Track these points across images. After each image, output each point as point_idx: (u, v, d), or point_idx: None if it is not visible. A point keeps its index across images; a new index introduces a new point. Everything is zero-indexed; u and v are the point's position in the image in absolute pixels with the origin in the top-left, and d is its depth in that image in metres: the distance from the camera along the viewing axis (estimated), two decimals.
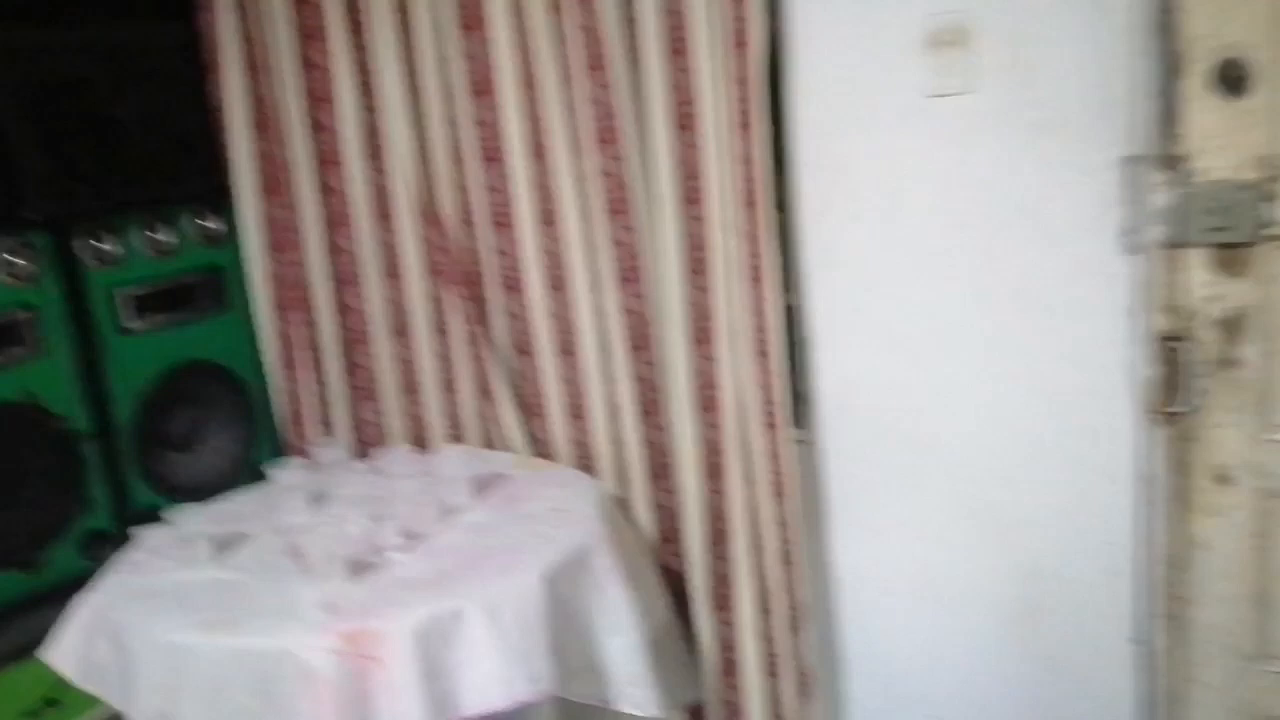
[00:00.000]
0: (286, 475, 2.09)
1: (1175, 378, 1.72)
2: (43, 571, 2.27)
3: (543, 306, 2.18)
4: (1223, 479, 1.73)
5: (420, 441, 2.44)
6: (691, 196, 2.00)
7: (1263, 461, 1.69)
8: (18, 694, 2.14)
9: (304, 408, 2.52)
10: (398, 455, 2.13)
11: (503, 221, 2.21)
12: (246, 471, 2.60)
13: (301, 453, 2.55)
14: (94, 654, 1.78)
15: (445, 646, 1.63)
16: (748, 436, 2.03)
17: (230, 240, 2.55)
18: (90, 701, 2.24)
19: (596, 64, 1.99)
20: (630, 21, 1.96)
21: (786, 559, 2.04)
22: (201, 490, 2.52)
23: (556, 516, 1.92)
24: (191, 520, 1.98)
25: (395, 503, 1.95)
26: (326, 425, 2.51)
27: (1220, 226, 1.64)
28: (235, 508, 2.09)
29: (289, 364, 2.53)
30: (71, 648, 1.83)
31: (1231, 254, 1.66)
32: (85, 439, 2.31)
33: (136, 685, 1.68)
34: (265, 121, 2.40)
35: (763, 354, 1.99)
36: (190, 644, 1.64)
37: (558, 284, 2.16)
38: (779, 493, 2.03)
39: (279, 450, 2.67)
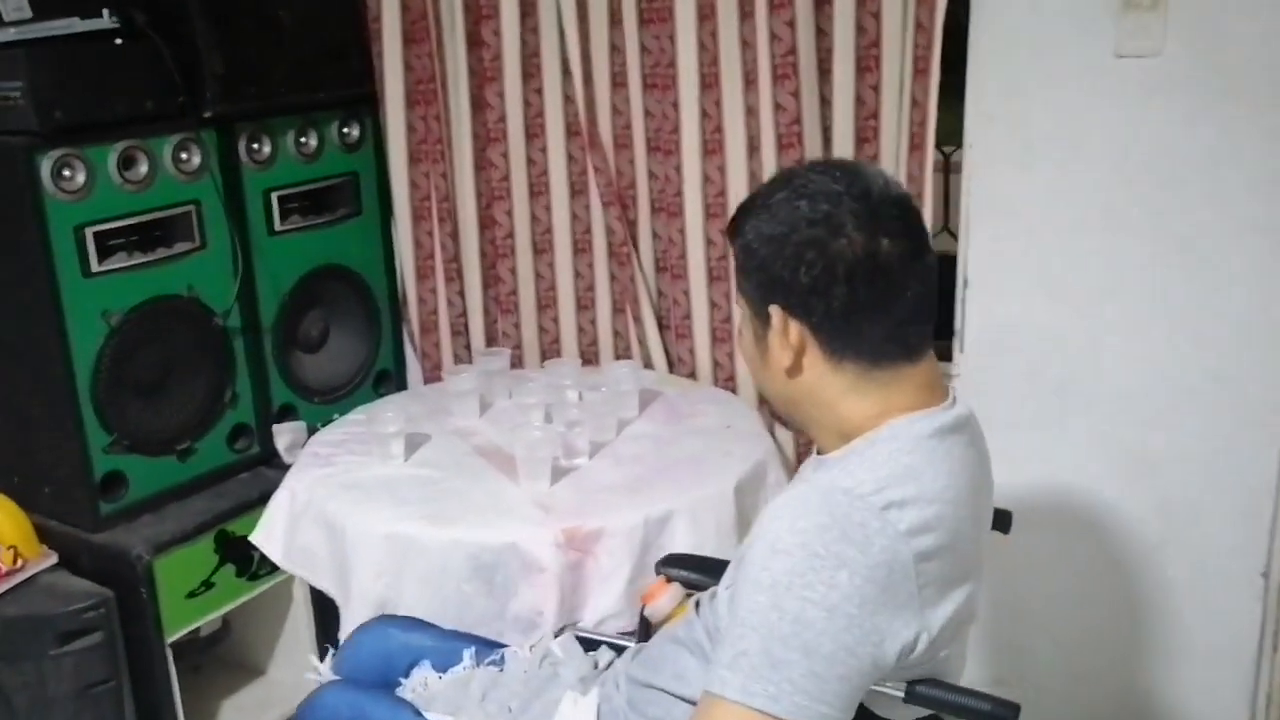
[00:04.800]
0: (456, 381, 2.17)
1: None
2: (193, 460, 2.35)
3: (698, 232, 2.26)
4: None
5: (551, 355, 2.53)
6: (865, 136, 2.09)
7: None
8: (181, 576, 2.23)
9: (439, 317, 2.60)
10: (563, 367, 2.22)
11: (660, 147, 2.28)
12: (369, 375, 2.69)
13: (432, 359, 2.64)
14: (300, 539, 1.88)
15: (650, 546, 1.75)
16: None
17: (366, 148, 2.60)
18: (240, 586, 2.36)
19: (782, 1, 2.06)
20: None
21: None
22: (327, 391, 2.62)
23: (729, 433, 2.03)
24: (372, 419, 2.06)
25: (570, 412, 2.04)
26: (459, 335, 2.60)
27: None
28: (405, 408, 2.17)
29: (424, 273, 2.60)
30: (276, 533, 1.92)
31: None
32: (236, 336, 2.39)
33: (354, 571, 1.77)
34: (418, 34, 2.44)
35: None
36: (412, 534, 1.74)
37: (715, 211, 2.24)
38: None
39: (400, 356, 2.76)
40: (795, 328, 1.16)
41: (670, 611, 1.55)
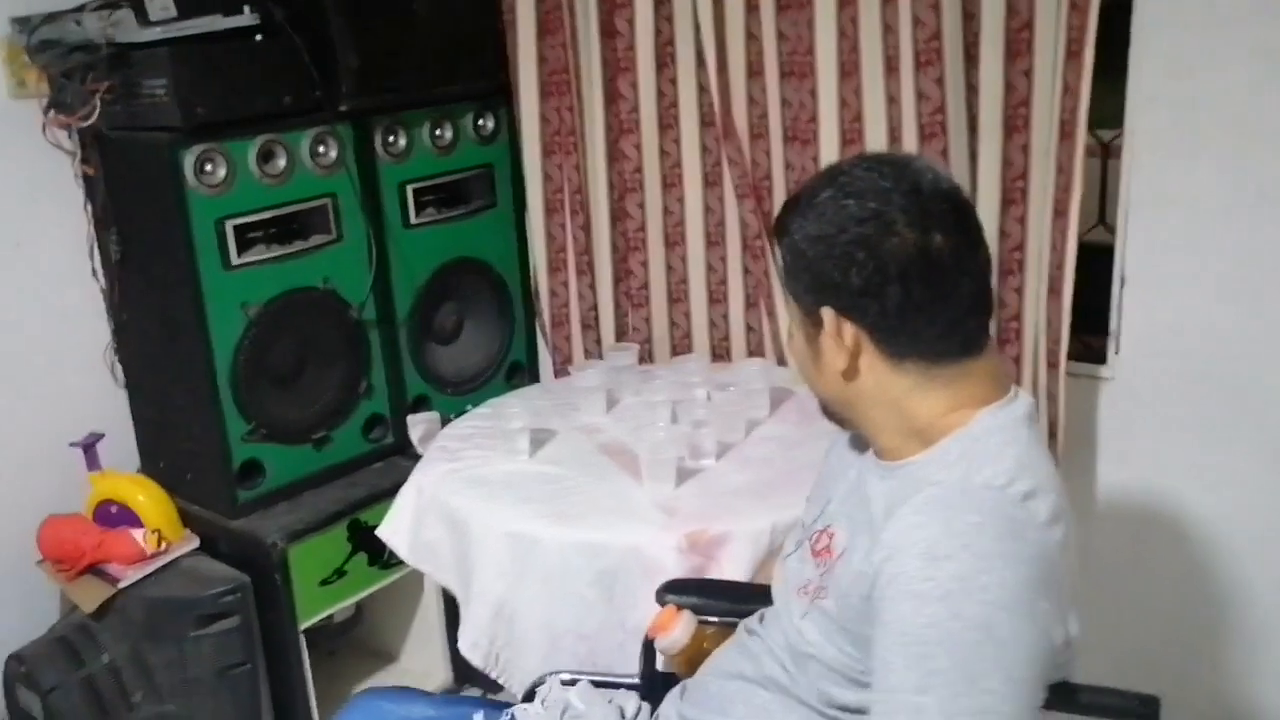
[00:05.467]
0: (583, 377, 2.14)
1: None
2: (329, 450, 2.39)
3: None
4: None
5: (682, 350, 2.48)
6: (1015, 124, 1.97)
7: None
8: (314, 564, 2.27)
9: (570, 310, 2.58)
10: (691, 363, 2.17)
11: (798, 137, 2.20)
12: (502, 367, 2.69)
13: (563, 353, 2.62)
14: (425, 534, 1.88)
15: (774, 554, 1.68)
16: (1037, 373, 2.03)
17: (501, 140, 2.59)
18: (372, 575, 2.38)
19: None
20: None
21: None
22: (461, 382, 2.62)
23: None
24: (498, 414, 2.05)
25: (697, 411, 1.99)
26: (589, 329, 2.57)
27: None
28: (532, 403, 2.15)
29: (556, 266, 2.58)
30: (402, 527, 1.92)
31: None
32: (372, 328, 2.41)
33: (475, 569, 1.76)
34: (552, 24, 2.41)
35: (1055, 292, 1.98)
36: (534, 534, 1.71)
37: None
38: (1052, 434, 2.03)
39: (532, 348, 2.75)
40: (850, 330, 1.13)
41: (687, 643, 1.46)
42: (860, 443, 1.26)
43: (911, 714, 0.98)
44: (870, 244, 1.08)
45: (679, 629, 1.46)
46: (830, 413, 1.25)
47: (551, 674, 1.57)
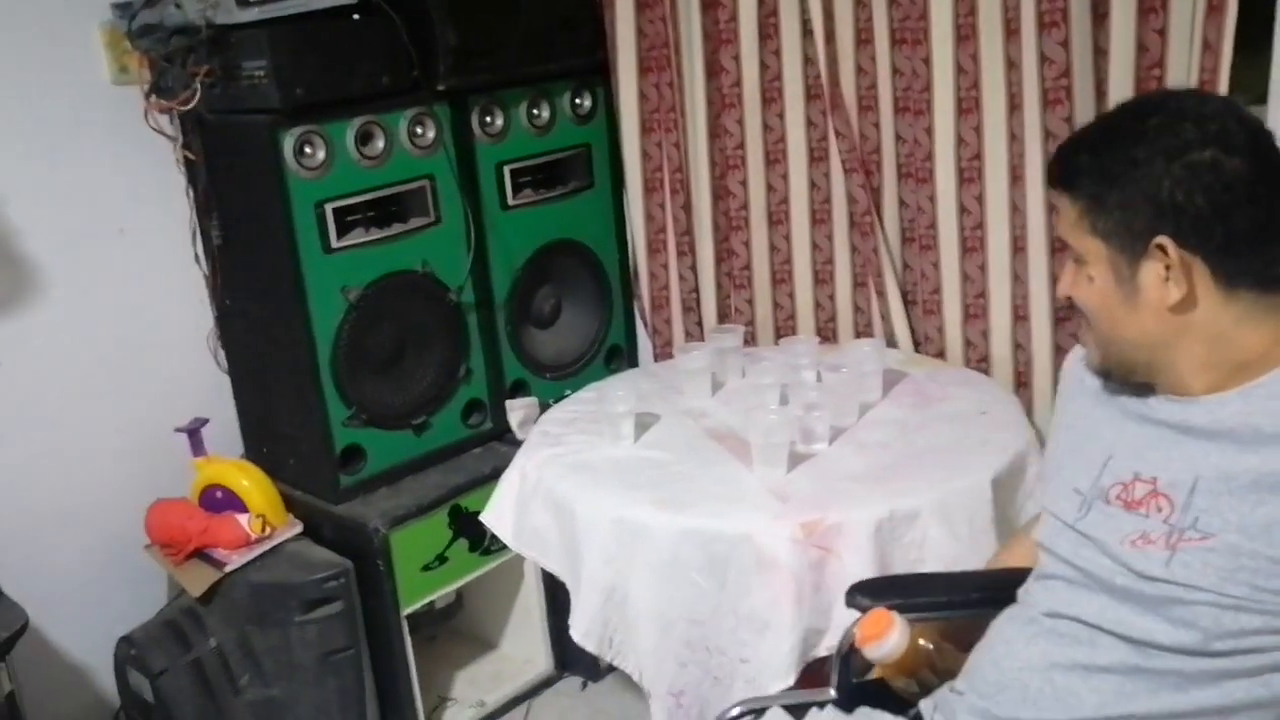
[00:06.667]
0: (687, 359, 2.07)
1: None
2: (428, 435, 2.36)
3: (951, 199, 2.08)
4: None
5: (786, 332, 2.41)
6: (1146, 87, 1.85)
7: None
8: (416, 549, 2.24)
9: (670, 292, 2.52)
10: (799, 345, 2.09)
11: (909, 107, 2.11)
12: (600, 351, 2.64)
13: (663, 336, 2.57)
14: (530, 520, 1.83)
15: (897, 544, 1.61)
16: None
17: (598, 119, 2.53)
18: (473, 561, 2.35)
19: None
20: None
21: None
22: (559, 367, 2.58)
23: (985, 420, 1.85)
24: (602, 397, 1.99)
25: (807, 393, 1.92)
26: (690, 311, 2.51)
27: None
28: (635, 386, 2.09)
29: (656, 248, 2.52)
30: (506, 513, 1.89)
31: None
32: (470, 311, 2.37)
33: (583, 556, 1.71)
34: None
35: None
36: (642, 521, 1.65)
37: (970, 176, 2.05)
38: None
39: (631, 332, 2.70)
40: (1187, 257, 1.10)
41: (904, 650, 1.32)
42: (1131, 390, 1.21)
43: None
44: (1218, 166, 1.08)
45: (896, 634, 1.32)
46: (1119, 365, 1.20)
47: (739, 705, 1.48)
